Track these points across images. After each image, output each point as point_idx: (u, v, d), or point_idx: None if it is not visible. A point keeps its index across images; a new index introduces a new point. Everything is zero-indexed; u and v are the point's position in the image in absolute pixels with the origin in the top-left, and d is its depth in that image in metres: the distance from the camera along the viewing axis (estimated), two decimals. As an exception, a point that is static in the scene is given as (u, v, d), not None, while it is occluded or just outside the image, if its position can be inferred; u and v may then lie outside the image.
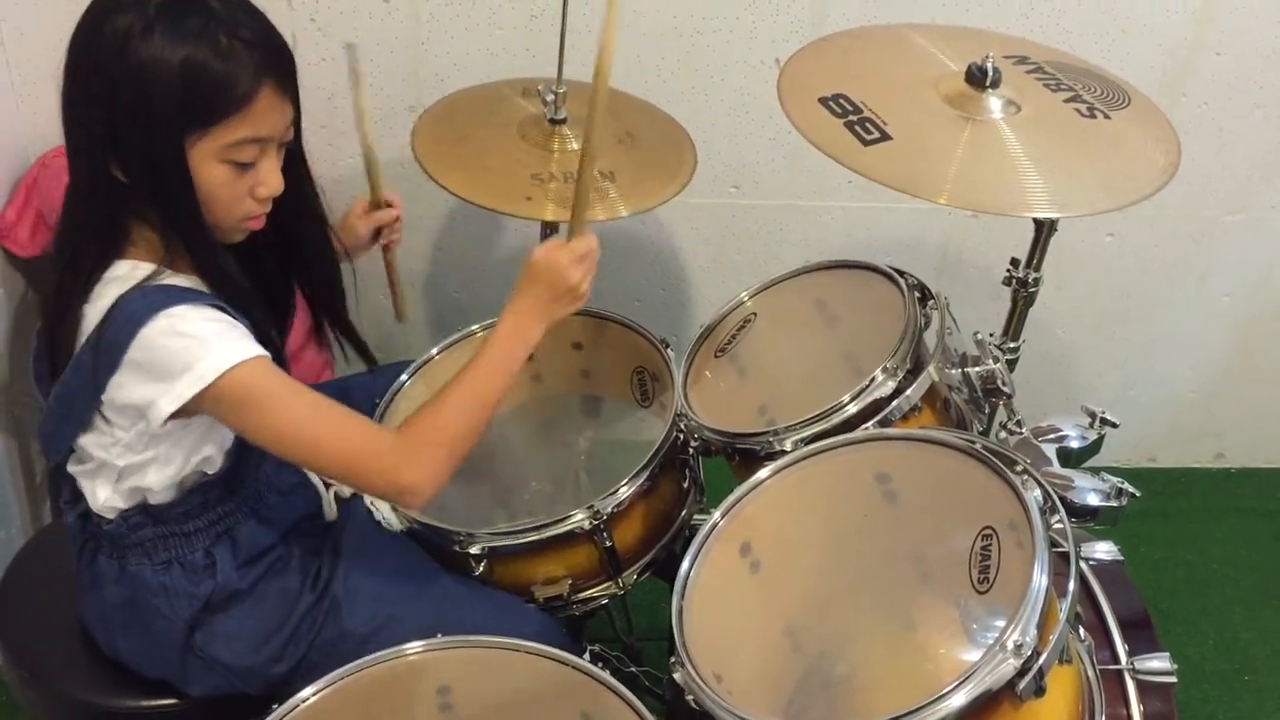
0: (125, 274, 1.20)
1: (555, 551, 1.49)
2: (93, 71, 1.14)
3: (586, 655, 1.29)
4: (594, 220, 1.63)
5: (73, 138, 1.19)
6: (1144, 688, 1.30)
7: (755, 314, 1.70)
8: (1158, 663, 1.32)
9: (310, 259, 1.41)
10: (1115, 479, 1.37)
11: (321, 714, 1.24)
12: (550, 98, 1.71)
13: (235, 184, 1.21)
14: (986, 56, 1.43)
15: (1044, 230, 1.55)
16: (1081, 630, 1.28)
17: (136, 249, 1.22)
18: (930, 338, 1.50)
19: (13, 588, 1.52)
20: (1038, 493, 1.17)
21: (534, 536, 1.46)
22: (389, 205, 1.65)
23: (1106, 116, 1.45)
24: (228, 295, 1.24)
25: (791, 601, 1.38)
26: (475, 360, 1.32)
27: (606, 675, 1.24)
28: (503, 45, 2.02)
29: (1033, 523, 1.12)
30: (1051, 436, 1.46)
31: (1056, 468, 1.42)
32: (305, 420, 1.23)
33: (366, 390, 1.66)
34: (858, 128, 1.40)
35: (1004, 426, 1.51)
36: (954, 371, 1.50)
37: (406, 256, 2.23)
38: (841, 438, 1.38)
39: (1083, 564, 1.45)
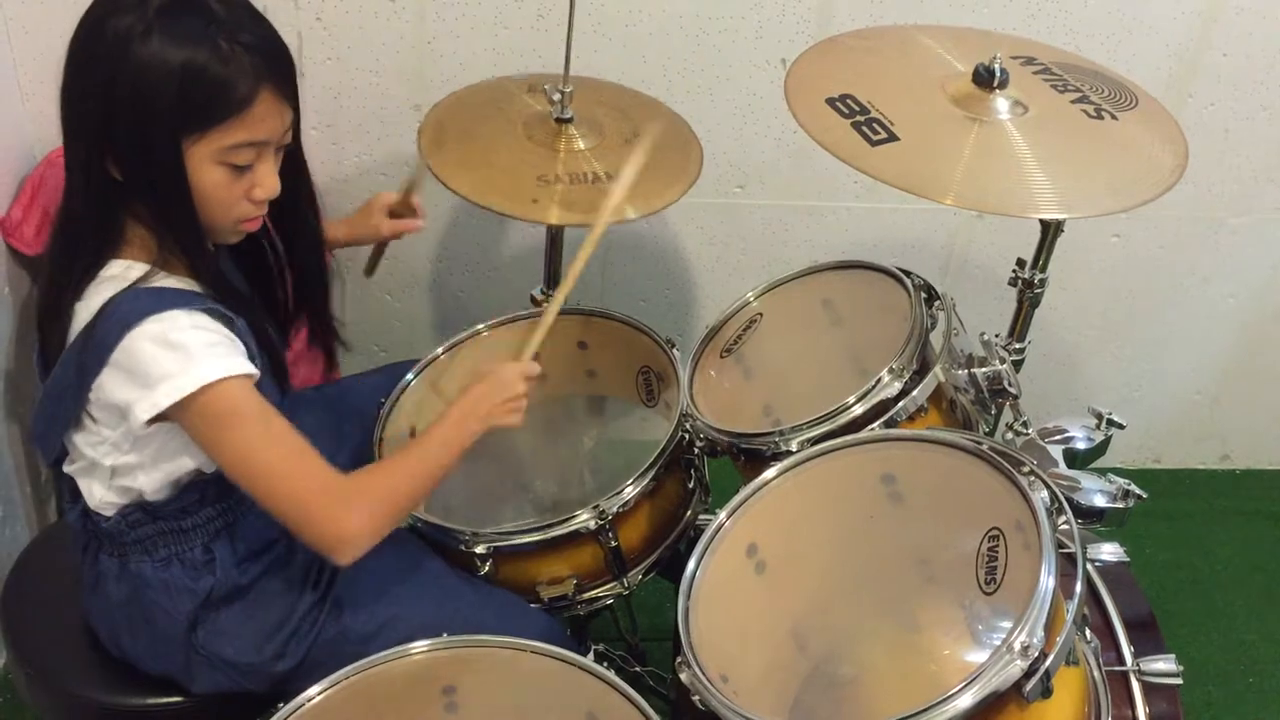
0: (119, 274, 1.20)
1: (560, 551, 1.49)
2: (92, 71, 1.14)
3: (591, 655, 1.29)
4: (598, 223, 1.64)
5: (70, 136, 1.19)
6: (1149, 689, 1.30)
7: (761, 314, 1.70)
8: (1163, 664, 1.32)
9: (301, 260, 1.41)
10: (1122, 480, 1.36)
11: (327, 713, 1.24)
12: (557, 97, 1.71)
13: (232, 186, 1.21)
14: (994, 57, 1.43)
15: (1050, 231, 1.55)
16: (1088, 632, 1.28)
17: (131, 248, 1.22)
18: (936, 338, 1.50)
19: (19, 586, 1.52)
20: (1044, 494, 1.17)
21: (539, 536, 1.46)
22: (414, 212, 1.70)
23: (1114, 117, 1.44)
24: (221, 297, 1.24)
25: (797, 602, 1.38)
26: (426, 435, 1.34)
27: (611, 675, 1.24)
28: (509, 45, 2.02)
29: (1039, 524, 1.12)
30: (1058, 438, 1.46)
31: (1063, 469, 1.42)
32: (271, 447, 1.21)
33: (373, 390, 1.66)
34: (865, 128, 1.39)
35: (1010, 427, 1.51)
36: (960, 372, 1.50)
37: (411, 256, 2.24)
38: (847, 438, 1.38)
39: (1089, 565, 1.45)
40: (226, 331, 1.21)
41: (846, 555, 1.38)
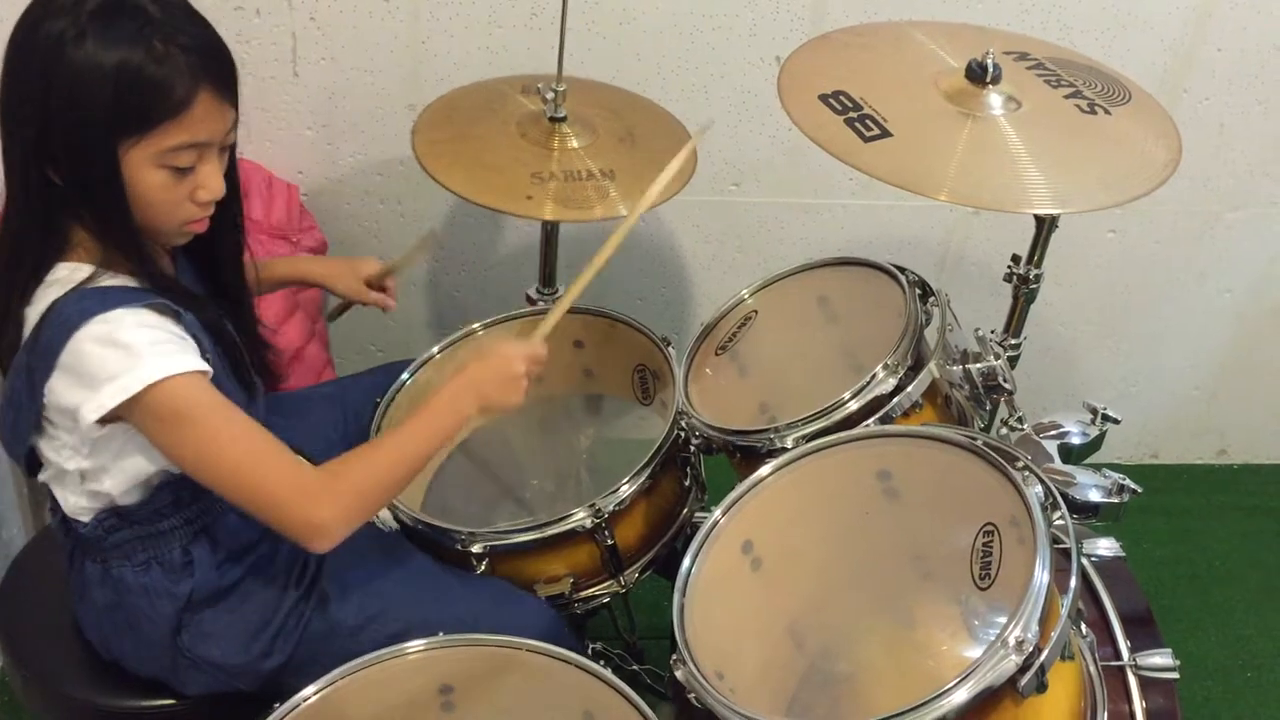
0: (64, 277, 1.19)
1: (557, 550, 1.49)
2: (26, 75, 1.13)
3: (589, 653, 1.29)
4: (593, 220, 1.64)
5: (8, 141, 1.17)
6: (1146, 684, 1.30)
7: (756, 311, 1.70)
8: (1160, 659, 1.32)
9: (222, 258, 1.36)
10: (1117, 475, 1.36)
11: (323, 713, 1.24)
12: (550, 95, 1.71)
13: (174, 189, 1.19)
14: (987, 53, 1.43)
15: (1045, 227, 1.55)
16: (1083, 626, 1.28)
17: (75, 251, 1.20)
18: (931, 335, 1.50)
19: (13, 589, 1.52)
20: (1039, 489, 1.17)
21: (535, 535, 1.46)
22: (385, 292, 1.68)
23: (1107, 112, 1.44)
24: (168, 295, 1.21)
25: (793, 599, 1.38)
26: (410, 421, 1.30)
27: (609, 673, 1.24)
28: (503, 44, 2.02)
29: (1034, 519, 1.12)
30: (1053, 433, 1.46)
31: (1058, 464, 1.41)
32: (232, 443, 1.19)
33: (368, 389, 1.66)
34: (858, 125, 1.39)
35: (1005, 423, 1.51)
36: (955, 368, 1.50)
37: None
38: (842, 435, 1.38)
39: (1084, 560, 1.45)
40: (174, 328, 1.19)
41: (842, 552, 1.38)
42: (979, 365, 1.49)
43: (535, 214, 1.62)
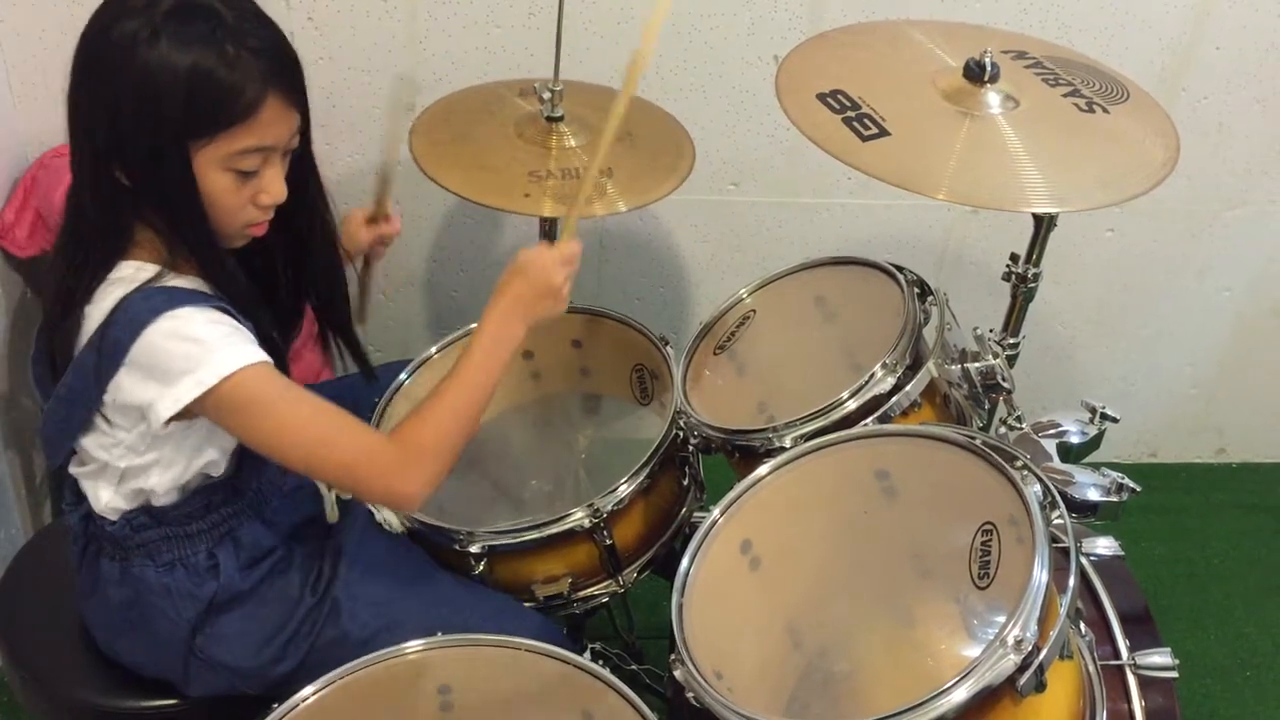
0: (129, 275, 1.20)
1: (555, 550, 1.49)
2: (98, 76, 1.14)
3: (587, 654, 1.29)
4: (592, 216, 1.64)
5: (77, 140, 1.19)
6: (1145, 683, 1.30)
7: (754, 311, 1.70)
8: (1159, 658, 1.32)
9: (316, 267, 1.40)
10: (1115, 474, 1.36)
11: (321, 713, 1.24)
12: (547, 96, 1.71)
13: (238, 192, 1.20)
14: (985, 52, 1.43)
15: (1043, 225, 1.55)
16: (1082, 625, 1.28)
17: (140, 250, 1.22)
18: (930, 334, 1.50)
19: (13, 588, 1.52)
20: (1038, 488, 1.17)
21: (534, 535, 1.46)
22: (388, 219, 1.63)
23: (1105, 111, 1.44)
24: (231, 298, 1.23)
25: (792, 598, 1.38)
26: (462, 362, 1.31)
27: (607, 673, 1.24)
28: (500, 44, 2.02)
29: (1033, 518, 1.12)
30: (1052, 432, 1.46)
31: (1057, 463, 1.41)
32: (303, 426, 1.22)
33: (366, 390, 1.66)
34: (856, 124, 1.39)
35: (1004, 422, 1.51)
36: (953, 367, 1.50)
37: (406, 255, 2.24)
38: (841, 434, 1.38)
39: (1083, 559, 1.45)
40: (236, 324, 1.22)
41: (841, 551, 1.38)
42: (977, 364, 1.49)
43: (533, 211, 1.62)
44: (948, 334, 1.50)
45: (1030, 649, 1.03)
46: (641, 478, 1.50)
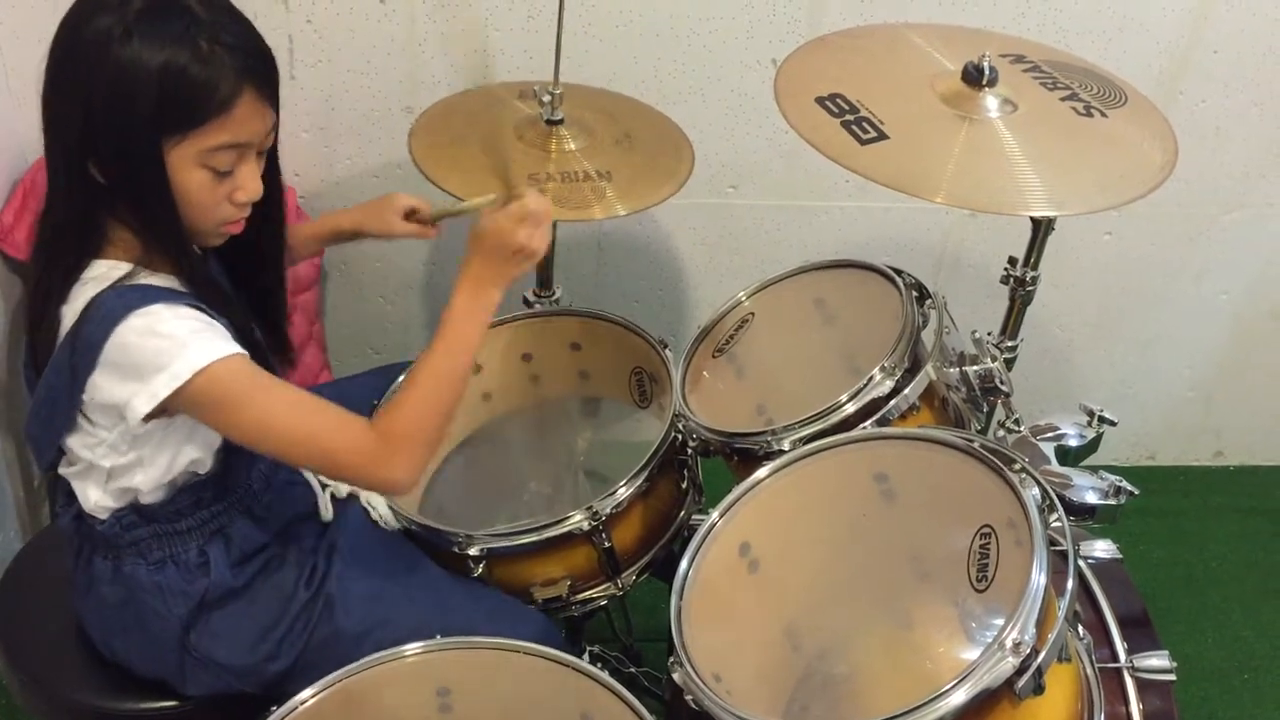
0: (102, 274, 1.20)
1: (554, 552, 1.49)
2: (72, 73, 1.14)
3: (586, 656, 1.29)
4: (592, 219, 1.64)
5: (51, 138, 1.18)
6: (1143, 686, 1.30)
7: (753, 314, 1.70)
8: (1157, 660, 1.32)
9: (265, 262, 1.38)
10: (1113, 477, 1.36)
11: (320, 715, 1.24)
12: (547, 99, 1.72)
13: (214, 189, 1.20)
14: (983, 55, 1.43)
15: (1041, 229, 1.55)
16: (1080, 628, 1.28)
17: (114, 248, 1.21)
18: (928, 337, 1.50)
19: (11, 590, 1.52)
20: (1036, 491, 1.17)
21: (533, 538, 1.46)
22: (434, 228, 1.58)
23: (1103, 115, 1.45)
24: (205, 296, 1.23)
25: (790, 601, 1.38)
26: (437, 340, 1.29)
27: (606, 676, 1.24)
28: (500, 47, 2.02)
29: (1031, 521, 1.12)
30: (1050, 435, 1.46)
31: (1055, 466, 1.42)
32: (283, 415, 1.21)
33: (366, 390, 1.66)
34: (854, 127, 1.40)
35: (1002, 425, 1.51)
36: (952, 370, 1.50)
37: (405, 258, 2.24)
38: (840, 437, 1.38)
39: (1081, 562, 1.45)
40: (210, 320, 1.21)
41: (839, 554, 1.38)
42: (976, 367, 1.50)
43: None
44: (946, 337, 1.50)
45: (1028, 652, 1.03)
46: (640, 481, 1.50)
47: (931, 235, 2.31)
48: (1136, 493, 1.36)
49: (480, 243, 1.32)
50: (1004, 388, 1.49)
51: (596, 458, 1.78)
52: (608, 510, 1.47)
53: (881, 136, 1.38)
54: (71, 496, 1.33)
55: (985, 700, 1.04)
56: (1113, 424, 1.47)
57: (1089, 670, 1.23)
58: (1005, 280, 1.61)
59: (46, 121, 1.18)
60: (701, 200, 2.21)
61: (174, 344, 1.16)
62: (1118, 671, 1.31)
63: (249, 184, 1.22)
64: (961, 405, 1.52)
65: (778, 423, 1.46)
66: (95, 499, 1.29)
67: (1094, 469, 1.39)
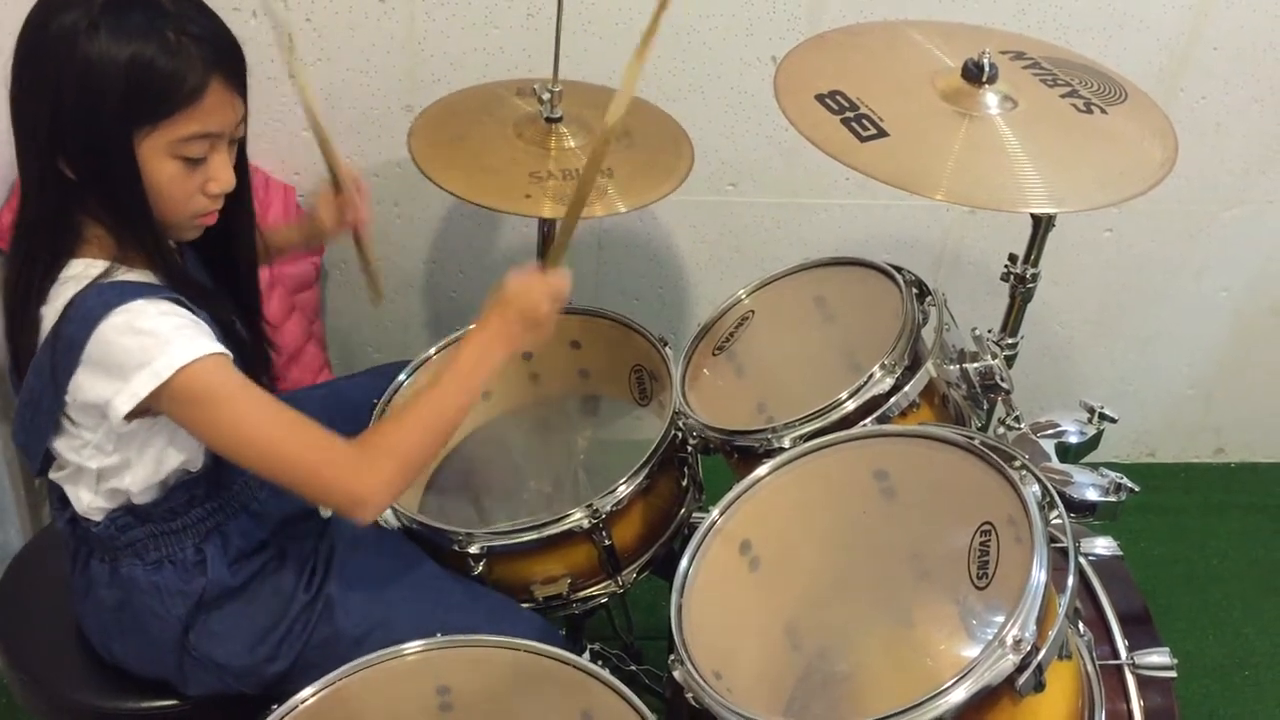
0: (79, 273, 1.19)
1: (554, 551, 1.49)
2: (38, 69, 1.13)
3: (586, 654, 1.29)
4: (591, 217, 1.64)
5: (21, 136, 1.18)
6: (1144, 682, 1.30)
7: (753, 311, 1.70)
8: (1157, 657, 1.32)
9: (238, 253, 1.37)
10: (1114, 474, 1.36)
11: (320, 714, 1.24)
12: (546, 96, 1.71)
13: (186, 180, 1.19)
14: (983, 52, 1.43)
15: (1042, 226, 1.55)
16: (1081, 625, 1.28)
17: (89, 246, 1.21)
18: (928, 334, 1.50)
19: (12, 591, 1.52)
20: (1036, 488, 1.17)
21: (533, 536, 1.46)
22: (356, 184, 1.57)
23: (1103, 111, 1.44)
24: (183, 290, 1.22)
25: (791, 599, 1.38)
26: (441, 378, 1.30)
27: (606, 674, 1.24)
28: (499, 44, 2.02)
29: (1031, 518, 1.12)
30: (1050, 432, 1.46)
31: (1055, 463, 1.42)
32: (261, 423, 1.20)
33: (365, 390, 1.66)
34: (854, 124, 1.39)
35: (1003, 422, 1.51)
36: (952, 368, 1.50)
37: (404, 257, 2.24)
38: (840, 434, 1.38)
39: (1082, 559, 1.45)
40: (191, 316, 1.20)
41: (840, 551, 1.38)
42: (976, 364, 1.49)
43: (534, 212, 1.62)
44: (946, 334, 1.50)
45: (1029, 649, 1.03)
46: (640, 478, 1.50)
47: (931, 232, 2.31)
48: (1137, 489, 1.36)
49: (509, 301, 1.33)
50: (1004, 385, 1.49)
51: (596, 456, 1.78)
52: (608, 508, 1.47)
53: (881, 134, 1.38)
54: (65, 500, 1.32)
55: (986, 698, 1.03)
56: (1113, 421, 1.47)
57: (1090, 667, 1.23)
58: (1005, 277, 1.60)
59: (15, 121, 1.17)
60: (701, 198, 2.21)
61: (156, 341, 1.15)
62: (1118, 668, 1.31)
63: (221, 174, 1.21)
64: (962, 402, 1.52)
65: (778, 420, 1.45)
66: (87, 501, 1.29)
67: (1094, 466, 1.39)
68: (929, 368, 1.46)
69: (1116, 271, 2.38)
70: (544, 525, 1.46)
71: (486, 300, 1.34)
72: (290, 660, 1.36)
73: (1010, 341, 1.62)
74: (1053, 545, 1.11)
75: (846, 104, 1.43)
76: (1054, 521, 1.18)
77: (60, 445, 1.26)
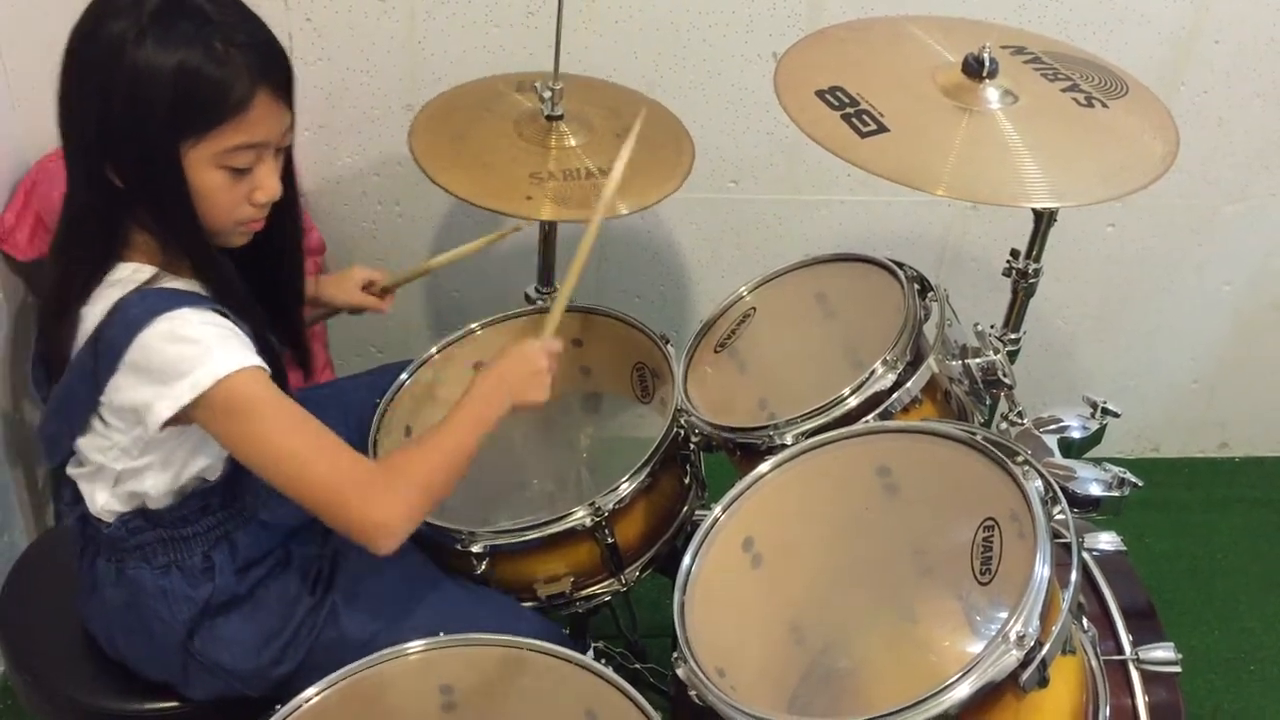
0: (125, 277, 1.20)
1: (557, 549, 1.49)
2: (87, 77, 1.14)
3: (590, 652, 1.29)
4: (592, 219, 1.63)
5: (69, 142, 1.19)
6: (1148, 678, 1.30)
7: (755, 308, 1.70)
8: (1162, 652, 1.32)
9: (282, 259, 1.38)
10: (1117, 469, 1.36)
11: (324, 714, 1.24)
12: (547, 94, 1.71)
13: (232, 190, 1.20)
14: (983, 47, 1.43)
15: (1043, 221, 1.55)
16: (1085, 621, 1.28)
17: (135, 252, 1.22)
18: (930, 330, 1.50)
19: (16, 591, 1.52)
20: (1039, 483, 1.17)
21: (536, 534, 1.46)
22: (388, 299, 1.70)
23: (1104, 106, 1.44)
24: (227, 300, 1.23)
25: (794, 596, 1.38)
26: (452, 414, 1.31)
27: (610, 672, 1.24)
28: (499, 43, 2.02)
29: (1034, 513, 1.12)
30: (1053, 427, 1.46)
31: (1058, 458, 1.41)
32: (288, 437, 1.20)
33: (367, 389, 1.66)
34: (855, 120, 1.39)
35: (1005, 418, 1.51)
36: (954, 363, 1.50)
37: (405, 256, 2.24)
38: (842, 431, 1.38)
39: (1086, 555, 1.45)
40: (233, 326, 1.21)
41: (843, 548, 1.38)
42: (978, 360, 1.49)
43: (534, 215, 1.62)
44: (948, 330, 1.49)
45: (1033, 644, 1.03)
46: (643, 476, 1.49)
47: (933, 228, 2.30)
48: (1141, 484, 1.36)
49: (508, 356, 1.37)
50: (1006, 380, 1.49)
51: (599, 453, 1.78)
52: (610, 506, 1.47)
53: (882, 129, 1.37)
54: (78, 496, 1.33)
55: (989, 693, 1.03)
56: (1116, 416, 1.47)
57: (1094, 662, 1.23)
58: (1007, 273, 1.60)
59: (63, 127, 1.18)
60: (702, 195, 2.21)
61: (198, 350, 1.16)
62: (1123, 663, 1.31)
63: (267, 183, 1.22)
64: (964, 398, 1.52)
65: (780, 417, 1.45)
66: (103, 502, 1.29)
67: (1098, 461, 1.39)
68: (931, 363, 1.46)
69: (1118, 266, 2.38)
70: (547, 524, 1.46)
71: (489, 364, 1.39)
72: (296, 663, 1.36)
73: (1012, 337, 1.61)
74: (1056, 541, 1.10)
75: (847, 100, 1.42)
76: (1057, 517, 1.17)
77: (85, 443, 1.27)
